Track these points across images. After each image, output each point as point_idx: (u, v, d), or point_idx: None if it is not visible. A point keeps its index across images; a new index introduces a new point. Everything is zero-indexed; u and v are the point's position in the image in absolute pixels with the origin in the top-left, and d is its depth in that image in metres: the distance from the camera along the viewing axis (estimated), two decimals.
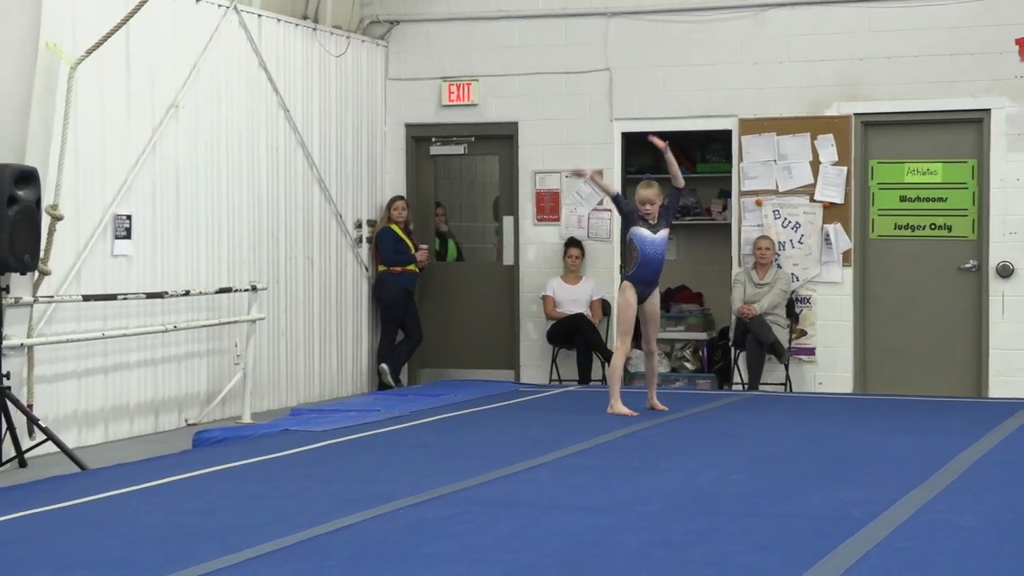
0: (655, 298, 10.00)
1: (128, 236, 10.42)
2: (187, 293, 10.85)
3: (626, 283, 9.87)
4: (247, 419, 11.09)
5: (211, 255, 11.34)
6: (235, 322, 11.41)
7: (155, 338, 10.67)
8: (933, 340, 12.44)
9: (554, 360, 13.21)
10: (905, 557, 5.66)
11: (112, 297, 10.06)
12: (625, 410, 9.84)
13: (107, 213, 10.23)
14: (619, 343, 9.90)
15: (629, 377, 13.28)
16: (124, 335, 10.27)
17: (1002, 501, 6.92)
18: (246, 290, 11.40)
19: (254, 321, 11.39)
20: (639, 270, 9.77)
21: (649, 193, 9.58)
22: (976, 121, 12.21)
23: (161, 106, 10.77)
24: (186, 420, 11.03)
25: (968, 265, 12.33)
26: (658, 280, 9.95)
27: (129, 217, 10.42)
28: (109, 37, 9.68)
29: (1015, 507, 6.77)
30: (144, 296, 10.39)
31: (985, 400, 11.85)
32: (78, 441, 9.82)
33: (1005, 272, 12.11)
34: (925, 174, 12.40)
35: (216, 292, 11.18)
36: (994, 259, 12.14)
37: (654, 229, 9.69)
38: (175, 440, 10.00)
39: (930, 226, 12.42)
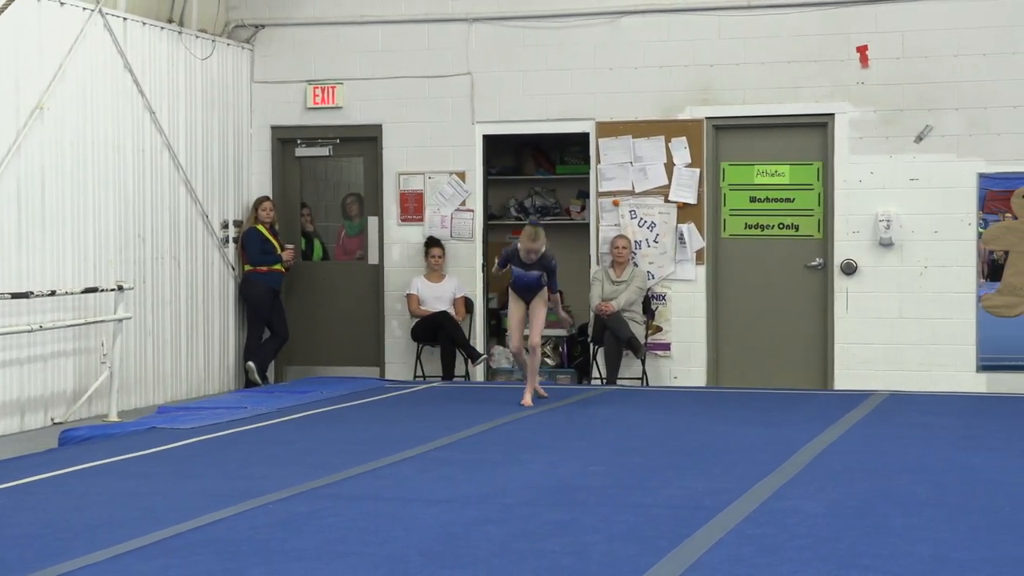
0: (537, 302, 10.90)
1: None
2: (53, 293, 10.79)
3: (509, 289, 11.06)
4: (114, 417, 11.07)
5: (77, 255, 11.29)
6: (102, 321, 11.35)
7: (20, 338, 10.61)
8: (782, 335, 12.81)
9: (418, 357, 13.35)
10: (757, 543, 5.95)
11: None
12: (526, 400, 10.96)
13: None
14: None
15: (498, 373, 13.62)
16: None
17: (846, 488, 7.26)
18: (112, 290, 11.36)
19: (121, 320, 11.36)
20: (513, 283, 10.98)
21: (533, 245, 10.64)
22: (821, 125, 12.63)
23: (26, 108, 10.71)
24: (52, 419, 10.96)
25: (814, 263, 12.73)
26: (535, 289, 10.86)
27: None
28: None
29: (858, 493, 7.12)
30: (9, 296, 10.32)
31: (830, 392, 12.22)
32: None
33: (849, 270, 12.54)
34: (773, 176, 12.80)
35: (82, 292, 11.13)
36: (838, 257, 12.56)
37: (526, 268, 10.78)
38: (41, 439, 9.95)
39: (778, 226, 12.81)
